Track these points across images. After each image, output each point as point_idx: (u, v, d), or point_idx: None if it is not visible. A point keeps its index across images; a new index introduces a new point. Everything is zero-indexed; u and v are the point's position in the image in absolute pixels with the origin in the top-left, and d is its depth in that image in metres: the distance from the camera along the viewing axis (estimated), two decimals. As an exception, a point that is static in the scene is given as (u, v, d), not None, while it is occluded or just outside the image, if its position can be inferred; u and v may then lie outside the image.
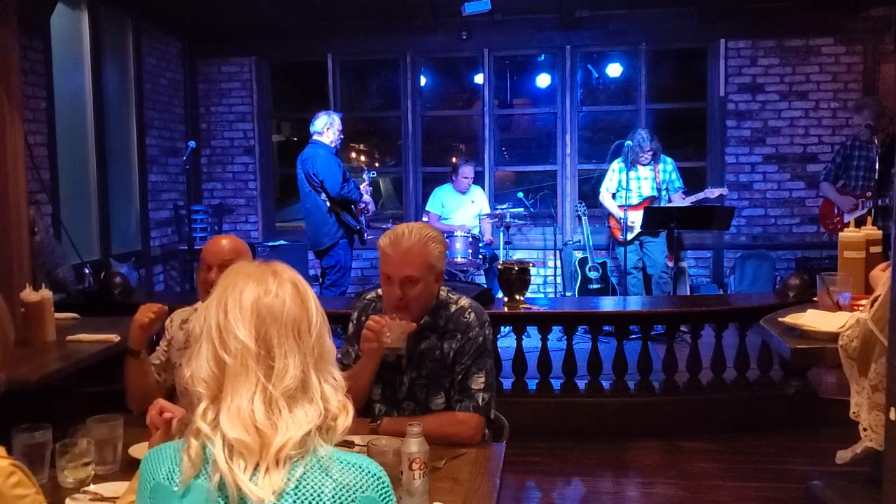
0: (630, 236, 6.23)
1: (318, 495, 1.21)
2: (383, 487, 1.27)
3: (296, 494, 1.20)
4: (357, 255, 7.41)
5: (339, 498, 1.21)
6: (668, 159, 6.37)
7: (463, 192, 6.86)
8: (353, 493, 1.23)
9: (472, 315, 2.33)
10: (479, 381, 2.26)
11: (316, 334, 1.30)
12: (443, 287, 2.39)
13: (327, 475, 1.23)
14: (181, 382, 1.31)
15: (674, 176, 6.35)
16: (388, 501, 1.27)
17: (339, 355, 2.43)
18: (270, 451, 1.20)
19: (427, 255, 2.25)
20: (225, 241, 2.68)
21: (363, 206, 6.09)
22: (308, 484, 1.21)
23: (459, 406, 2.25)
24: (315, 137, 5.90)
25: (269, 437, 1.20)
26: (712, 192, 6.32)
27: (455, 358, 2.29)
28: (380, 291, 2.43)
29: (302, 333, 1.28)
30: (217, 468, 1.20)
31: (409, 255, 2.23)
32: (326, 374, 1.30)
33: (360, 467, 1.26)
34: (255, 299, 1.26)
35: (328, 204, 5.84)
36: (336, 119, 5.95)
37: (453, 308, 2.35)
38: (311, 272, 6.85)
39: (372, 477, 1.26)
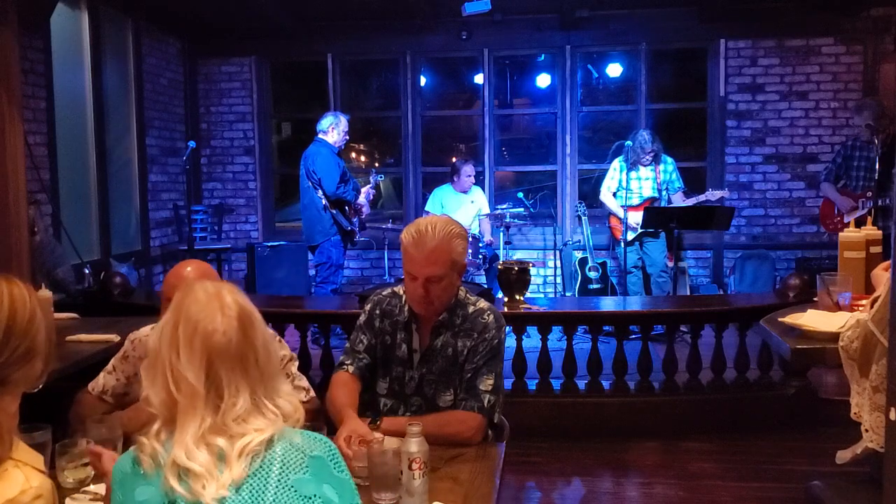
0: (631, 237, 6.22)
1: (271, 458, 1.33)
2: (331, 448, 1.40)
3: (251, 463, 1.33)
4: (357, 254, 7.42)
5: (288, 456, 1.34)
6: (669, 159, 6.36)
7: (464, 192, 6.86)
8: (302, 451, 1.36)
9: (491, 317, 2.33)
10: (486, 383, 2.26)
11: (262, 362, 1.39)
12: (461, 287, 2.39)
13: (278, 443, 1.35)
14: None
15: (674, 176, 6.34)
16: (337, 462, 1.39)
17: (348, 344, 2.44)
18: (227, 464, 1.31)
19: (451, 253, 2.23)
20: (189, 271, 2.43)
21: (358, 207, 6.13)
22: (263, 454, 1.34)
23: (464, 405, 2.25)
24: (319, 136, 6.01)
25: (225, 455, 1.31)
26: (713, 195, 6.29)
27: (467, 356, 2.29)
28: (396, 289, 2.44)
29: (249, 366, 1.37)
30: (168, 482, 1.30)
31: (433, 255, 2.20)
32: (274, 394, 1.40)
33: (308, 434, 1.41)
34: (204, 339, 1.35)
35: (324, 201, 5.89)
36: (342, 120, 6.02)
37: (471, 308, 2.35)
38: (312, 272, 6.84)
39: (319, 440, 1.40)
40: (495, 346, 2.31)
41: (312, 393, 2.46)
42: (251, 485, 1.31)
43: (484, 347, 2.29)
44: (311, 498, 1.33)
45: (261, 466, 1.33)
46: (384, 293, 2.46)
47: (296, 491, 1.33)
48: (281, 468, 1.33)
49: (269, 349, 1.42)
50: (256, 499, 1.31)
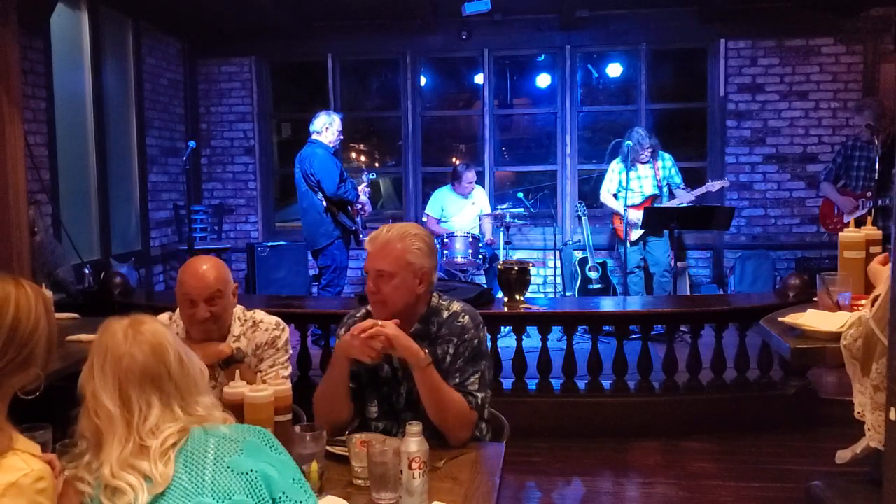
0: (635, 235, 6.22)
1: (204, 450, 1.43)
2: (267, 435, 1.50)
3: (184, 456, 1.42)
4: (356, 255, 7.40)
5: (221, 444, 1.44)
6: (667, 155, 6.37)
7: (464, 197, 6.86)
8: (235, 438, 1.46)
9: (467, 318, 2.30)
10: (474, 382, 2.25)
11: (178, 378, 1.49)
12: (434, 293, 2.35)
13: (210, 434, 1.46)
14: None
15: (673, 171, 6.35)
16: (274, 446, 1.49)
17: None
18: (153, 480, 1.39)
19: (404, 251, 2.21)
20: (206, 269, 2.42)
21: (360, 206, 6.08)
22: (192, 444, 1.44)
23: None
24: (314, 137, 5.91)
25: (150, 474, 1.40)
26: (713, 186, 6.29)
27: (451, 362, 2.26)
28: (369, 308, 2.38)
29: (162, 383, 1.48)
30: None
31: (384, 250, 2.22)
32: (193, 405, 1.50)
33: (243, 425, 1.53)
34: (113, 364, 1.47)
35: (325, 203, 5.84)
36: (336, 119, 5.94)
37: (445, 314, 2.31)
38: (312, 272, 6.84)
39: (254, 429, 1.51)
40: (476, 346, 2.28)
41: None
42: (187, 474, 1.41)
43: (465, 349, 2.26)
44: (247, 473, 1.42)
45: (194, 456, 1.42)
46: (358, 315, 2.41)
47: (232, 470, 1.42)
48: (215, 453, 1.43)
49: (185, 367, 1.51)
50: (196, 484, 1.40)
